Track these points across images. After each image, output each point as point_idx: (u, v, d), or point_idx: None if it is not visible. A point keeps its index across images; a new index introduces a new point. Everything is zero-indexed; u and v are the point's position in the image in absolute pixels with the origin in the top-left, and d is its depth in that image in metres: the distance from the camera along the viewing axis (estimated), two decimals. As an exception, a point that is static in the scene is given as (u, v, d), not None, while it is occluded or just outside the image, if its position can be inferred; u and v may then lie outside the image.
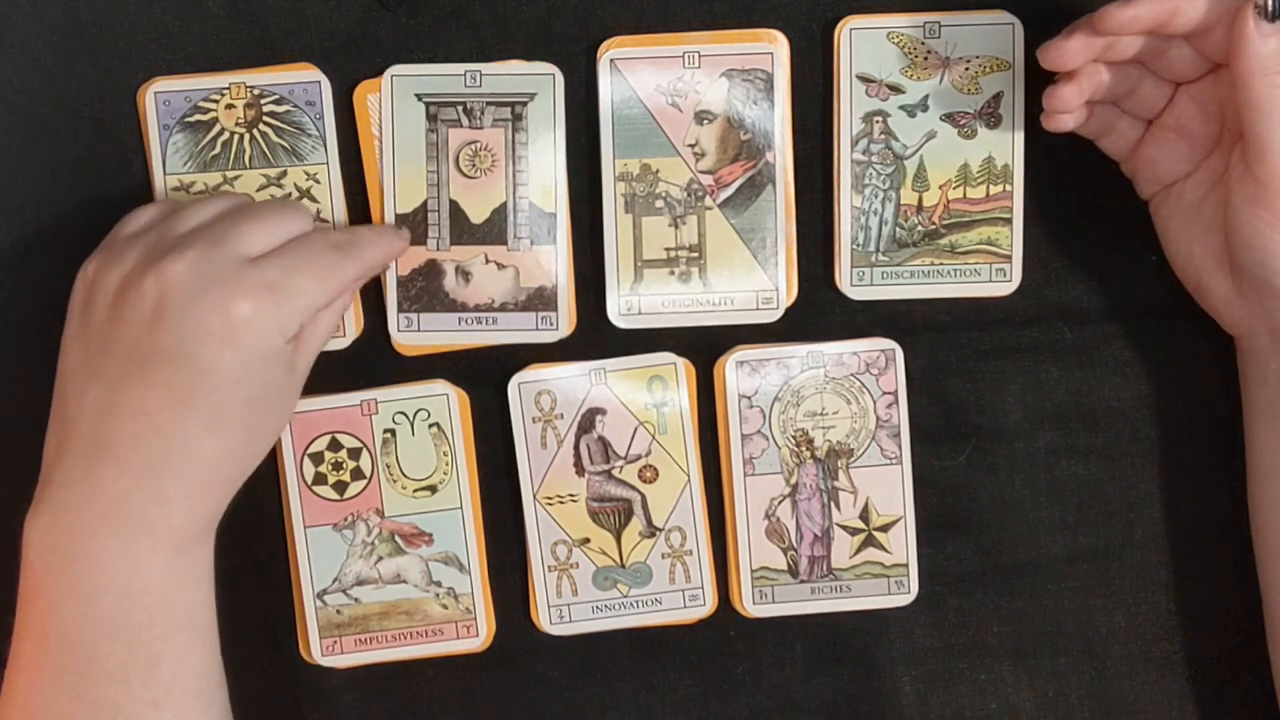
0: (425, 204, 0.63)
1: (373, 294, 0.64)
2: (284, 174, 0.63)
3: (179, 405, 0.53)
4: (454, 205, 0.63)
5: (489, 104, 0.63)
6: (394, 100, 0.63)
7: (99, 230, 0.59)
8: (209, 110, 0.63)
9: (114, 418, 0.54)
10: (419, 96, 0.63)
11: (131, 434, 0.53)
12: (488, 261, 0.63)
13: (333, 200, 0.63)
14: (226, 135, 0.63)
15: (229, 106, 0.63)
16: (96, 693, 0.53)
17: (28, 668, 0.54)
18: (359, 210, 0.64)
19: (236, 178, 0.63)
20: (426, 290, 0.64)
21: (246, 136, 0.63)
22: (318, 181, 0.63)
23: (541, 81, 0.63)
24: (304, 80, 0.63)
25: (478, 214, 0.63)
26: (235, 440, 0.55)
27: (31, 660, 0.54)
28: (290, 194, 0.63)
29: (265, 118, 0.63)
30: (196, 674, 0.55)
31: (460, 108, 0.63)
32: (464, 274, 0.63)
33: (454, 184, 0.63)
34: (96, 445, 0.54)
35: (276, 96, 0.63)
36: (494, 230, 0.64)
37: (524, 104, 0.63)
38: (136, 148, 0.64)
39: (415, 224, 0.63)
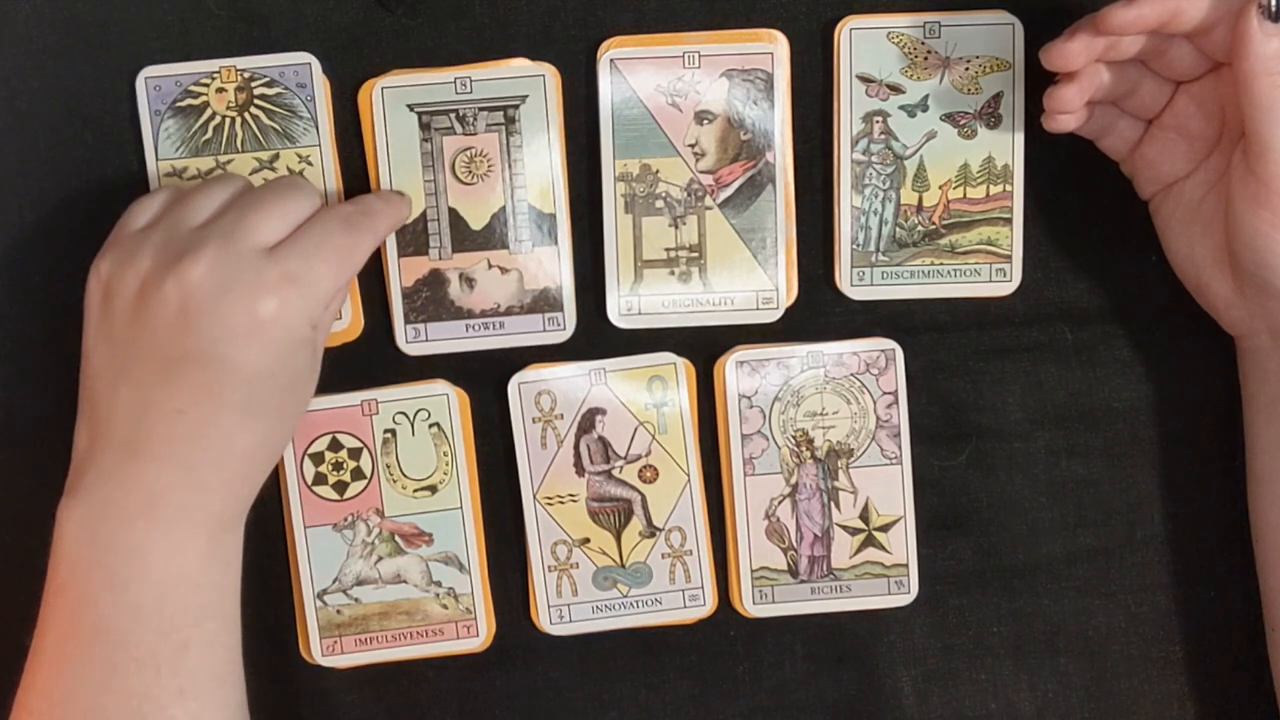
0: (425, 214, 0.63)
1: (374, 295, 0.64)
2: (276, 157, 0.63)
3: (212, 403, 0.54)
4: (453, 213, 0.63)
5: (481, 109, 0.63)
6: (385, 111, 0.63)
7: (96, 220, 0.59)
8: (200, 94, 0.63)
9: (148, 417, 0.54)
10: (410, 106, 0.63)
11: (167, 432, 0.54)
12: (490, 267, 0.63)
13: (325, 182, 0.63)
14: (218, 119, 0.63)
15: (220, 90, 0.63)
16: (124, 682, 0.53)
17: (53, 657, 0.54)
18: (356, 194, 0.63)
19: (229, 162, 0.63)
20: (432, 300, 0.64)
21: (238, 120, 0.63)
22: (310, 164, 0.63)
23: (533, 83, 0.63)
24: (295, 63, 0.63)
25: (477, 220, 0.63)
26: (268, 428, 0.56)
27: (58, 650, 0.54)
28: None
29: (256, 101, 0.63)
30: (222, 661, 0.56)
31: (453, 115, 0.63)
32: (468, 281, 0.63)
33: (452, 191, 0.63)
34: (133, 443, 0.54)
35: (267, 79, 0.63)
36: (495, 235, 0.64)
37: (516, 107, 0.63)
38: (130, 135, 0.64)
39: (416, 234, 0.63)
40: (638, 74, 0.63)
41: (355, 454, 0.64)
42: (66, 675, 0.53)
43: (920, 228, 0.64)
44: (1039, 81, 0.61)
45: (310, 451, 0.64)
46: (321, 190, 0.63)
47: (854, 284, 0.64)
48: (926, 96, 0.64)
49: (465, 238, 0.64)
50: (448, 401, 0.64)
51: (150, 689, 0.53)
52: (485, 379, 0.65)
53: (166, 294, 0.54)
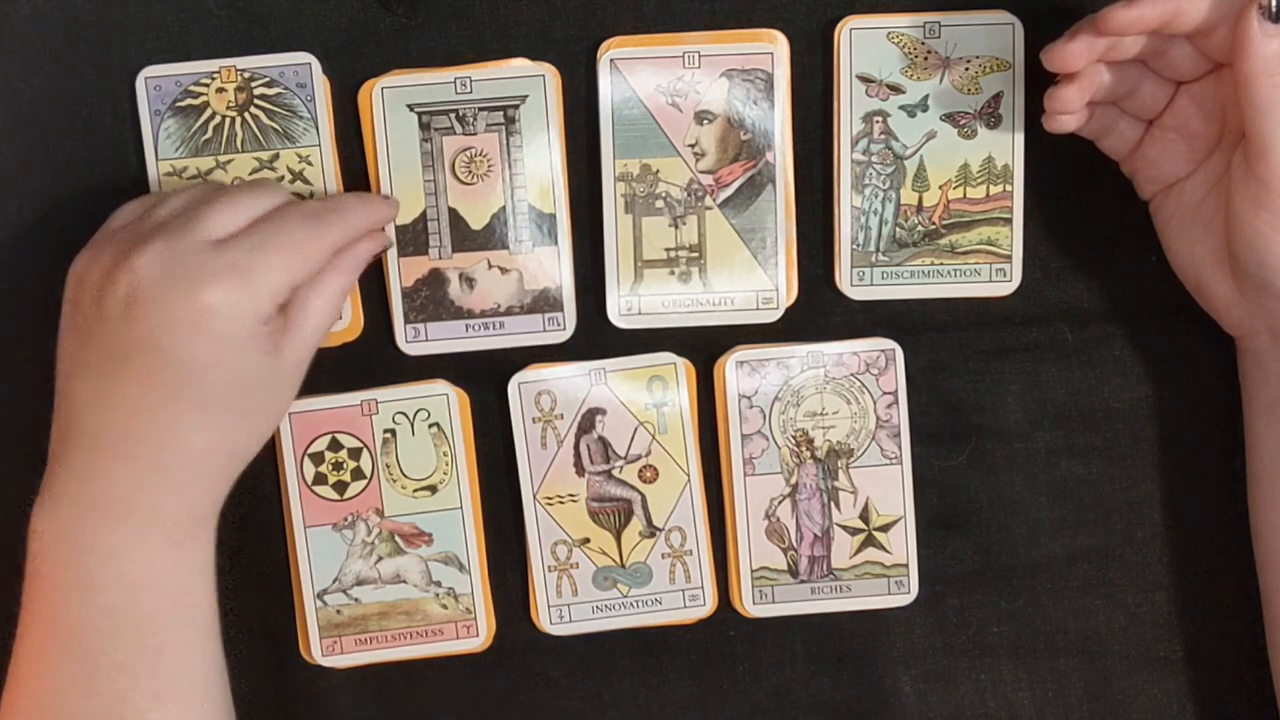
0: (424, 213, 0.63)
1: (374, 295, 0.64)
2: (276, 156, 0.63)
3: (160, 396, 0.53)
4: (453, 213, 0.63)
5: (481, 109, 0.63)
6: (385, 111, 0.63)
7: (96, 220, 0.59)
8: (200, 94, 0.63)
9: (103, 411, 0.54)
10: (410, 107, 0.63)
11: (121, 426, 0.54)
12: (490, 266, 0.63)
13: (325, 182, 0.63)
14: (218, 119, 0.63)
15: (220, 90, 0.63)
16: (102, 684, 0.53)
17: (34, 658, 0.54)
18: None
19: (229, 161, 0.63)
20: (432, 300, 0.64)
21: (238, 120, 0.63)
22: (310, 164, 0.63)
23: (532, 83, 0.63)
24: (295, 63, 0.63)
25: (477, 220, 0.63)
26: (223, 428, 0.55)
27: (38, 651, 0.54)
28: (283, 177, 0.63)
29: (256, 100, 0.63)
30: (200, 666, 0.56)
31: (453, 115, 0.63)
32: (468, 281, 0.63)
33: (452, 191, 0.63)
34: (93, 438, 0.54)
35: (267, 79, 0.63)
36: (495, 235, 0.64)
37: (516, 107, 0.63)
38: (130, 135, 0.64)
39: (416, 234, 0.63)
40: (638, 74, 0.63)
41: (355, 454, 0.64)
42: (51, 677, 0.53)
43: (920, 228, 0.64)
44: (1039, 81, 0.61)
45: (310, 451, 0.64)
46: (311, 195, 0.63)
47: (854, 284, 0.64)
48: (926, 96, 0.63)
49: (465, 238, 0.64)
50: (448, 401, 0.64)
51: (129, 692, 0.53)
52: (485, 379, 0.65)
53: (118, 283, 0.53)
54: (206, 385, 0.54)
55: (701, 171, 0.64)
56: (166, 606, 0.54)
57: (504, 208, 0.63)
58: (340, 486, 0.64)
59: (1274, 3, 0.51)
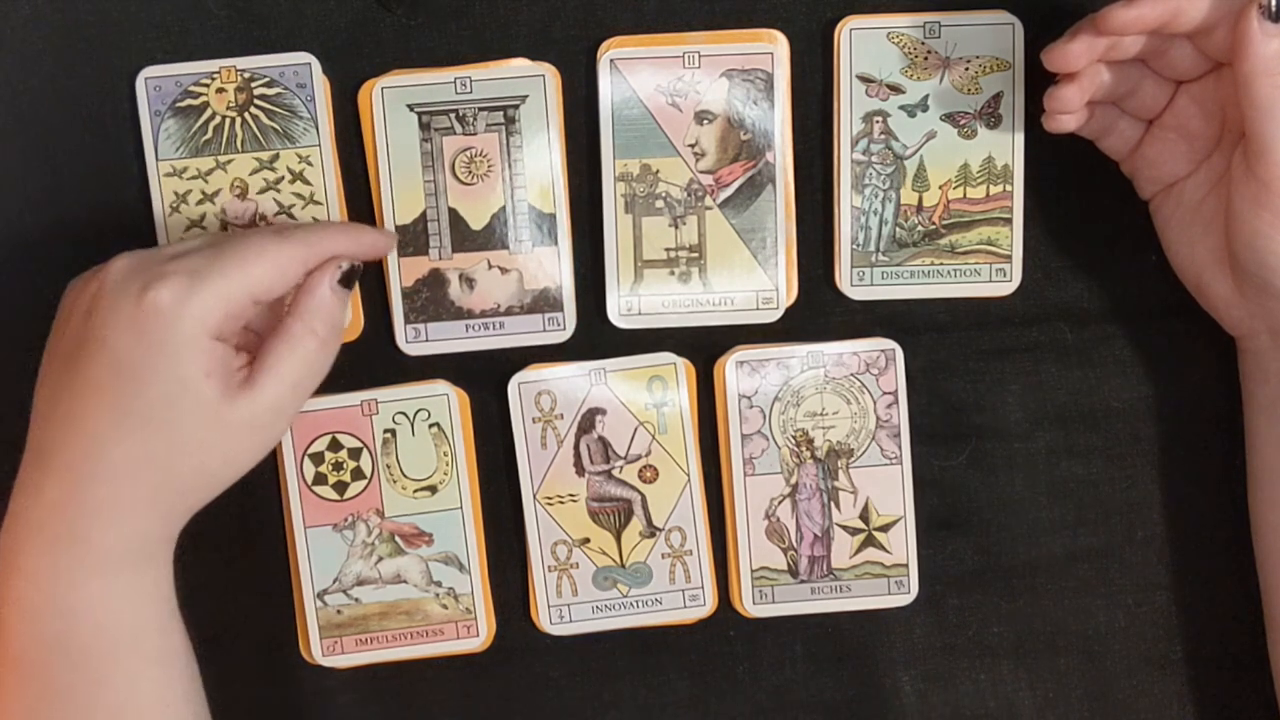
0: (424, 214, 0.63)
1: (374, 296, 0.64)
2: (276, 157, 0.63)
3: (97, 401, 0.52)
4: (453, 213, 0.63)
5: (481, 109, 0.63)
6: (385, 111, 0.63)
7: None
8: (200, 95, 0.63)
9: (49, 420, 0.53)
10: (410, 107, 0.63)
11: (59, 435, 0.52)
12: (490, 267, 0.63)
13: (326, 182, 0.63)
14: (218, 119, 0.63)
15: (220, 90, 0.63)
16: (53, 713, 0.52)
17: (4, 683, 0.53)
18: (356, 195, 0.64)
19: (229, 162, 0.63)
20: (432, 300, 0.64)
21: (238, 120, 0.63)
22: (310, 164, 0.63)
23: (532, 83, 0.63)
24: (295, 63, 0.63)
25: (477, 220, 0.63)
26: (148, 446, 0.52)
27: (1, 679, 0.53)
28: (283, 177, 0.63)
29: (256, 101, 0.63)
30: (151, 702, 0.54)
31: (453, 115, 0.63)
32: (468, 281, 0.63)
33: (452, 191, 0.63)
34: (38, 450, 0.53)
35: (267, 79, 0.63)
36: (495, 235, 0.64)
37: (516, 107, 0.63)
38: (130, 135, 0.63)
39: (416, 234, 0.63)
40: (638, 74, 0.63)
41: (355, 454, 0.64)
42: (9, 706, 0.53)
43: (920, 228, 0.64)
44: (1039, 81, 0.61)
45: (310, 451, 0.64)
46: (311, 195, 0.63)
47: (854, 284, 0.64)
48: (926, 96, 0.63)
49: (465, 238, 0.64)
50: (448, 401, 0.64)
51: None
52: (485, 379, 0.65)
53: (89, 288, 0.54)
54: (136, 393, 0.52)
55: (701, 171, 0.64)
56: (102, 639, 0.52)
57: (504, 208, 0.63)
58: (340, 487, 0.64)
59: (1274, 3, 0.51)
